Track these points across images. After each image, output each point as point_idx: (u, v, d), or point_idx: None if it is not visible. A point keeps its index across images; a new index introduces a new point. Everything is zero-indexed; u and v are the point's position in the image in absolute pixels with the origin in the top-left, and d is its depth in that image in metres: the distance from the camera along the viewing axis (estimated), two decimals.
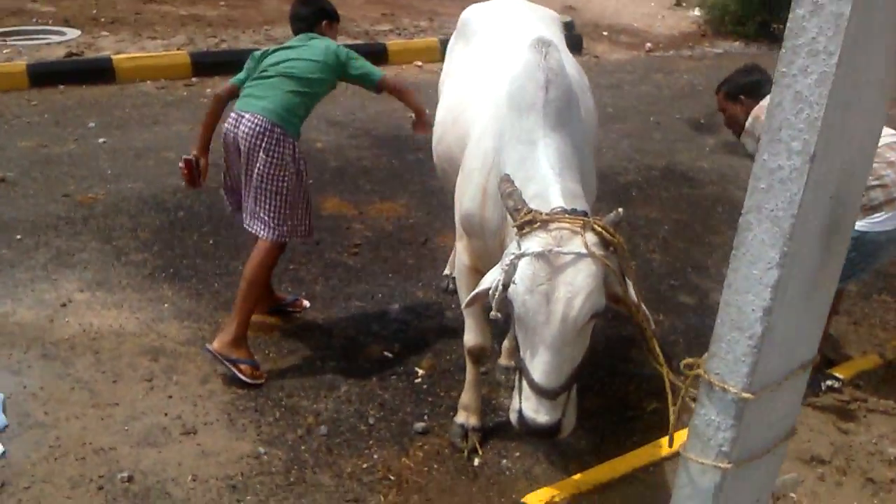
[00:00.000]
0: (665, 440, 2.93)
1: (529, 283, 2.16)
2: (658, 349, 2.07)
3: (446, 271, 4.29)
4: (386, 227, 4.87)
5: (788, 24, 1.46)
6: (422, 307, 4.07)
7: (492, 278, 2.33)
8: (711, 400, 1.76)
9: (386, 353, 3.67)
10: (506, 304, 2.25)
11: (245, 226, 3.44)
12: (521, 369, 2.28)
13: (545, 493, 2.72)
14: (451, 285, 4.21)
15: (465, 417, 3.16)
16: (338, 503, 2.82)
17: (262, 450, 3.01)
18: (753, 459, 1.82)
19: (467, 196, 2.81)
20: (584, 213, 2.30)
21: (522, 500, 2.68)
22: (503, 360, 3.57)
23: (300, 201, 3.41)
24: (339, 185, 5.41)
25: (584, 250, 2.15)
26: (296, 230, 3.43)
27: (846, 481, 2.96)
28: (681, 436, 1.90)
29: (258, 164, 3.28)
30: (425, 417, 3.27)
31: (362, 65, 3.52)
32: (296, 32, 3.59)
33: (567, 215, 2.24)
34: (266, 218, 3.34)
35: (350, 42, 8.76)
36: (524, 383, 2.25)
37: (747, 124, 3.13)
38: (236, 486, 2.84)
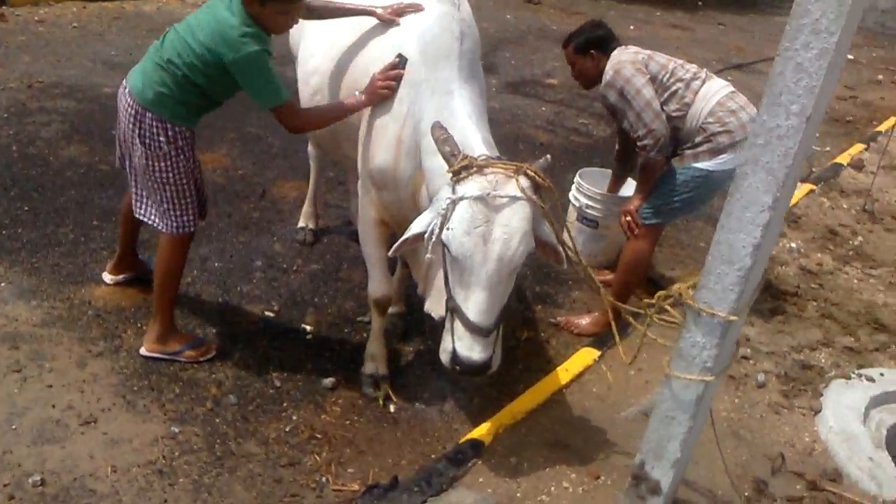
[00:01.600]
0: (565, 365, 3.30)
1: (467, 225, 2.27)
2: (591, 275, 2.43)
3: (301, 223, 4.22)
4: (217, 181, 4.63)
5: (794, 6, 1.73)
6: (285, 261, 3.99)
7: (423, 223, 2.41)
8: (698, 325, 2.06)
9: (267, 314, 3.59)
10: (439, 246, 2.35)
11: (136, 214, 3.05)
12: (452, 310, 2.39)
13: (488, 426, 2.89)
14: (307, 238, 4.17)
15: (373, 367, 3.23)
16: (273, 469, 2.78)
17: (175, 429, 2.86)
18: (724, 368, 2.17)
19: (380, 149, 2.81)
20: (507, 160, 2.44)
21: (470, 437, 2.85)
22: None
23: (188, 188, 2.97)
24: None
25: (519, 193, 2.31)
26: (194, 217, 3.04)
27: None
28: None
29: (136, 153, 2.89)
30: (329, 372, 3.29)
31: (259, 75, 2.67)
32: None
33: (500, 161, 2.38)
34: (160, 210, 2.97)
35: None
36: (456, 323, 2.37)
37: (608, 77, 3.44)
38: (162, 470, 2.69)
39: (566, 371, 3.19)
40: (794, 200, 5.34)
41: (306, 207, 4.23)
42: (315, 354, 3.39)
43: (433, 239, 2.36)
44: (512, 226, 2.28)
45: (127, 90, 2.86)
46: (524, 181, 2.33)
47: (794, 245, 4.74)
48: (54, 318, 3.28)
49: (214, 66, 2.70)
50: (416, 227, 2.43)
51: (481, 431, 2.83)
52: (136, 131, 2.83)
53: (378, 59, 2.86)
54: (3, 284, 3.42)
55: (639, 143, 3.42)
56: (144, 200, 2.99)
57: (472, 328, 2.32)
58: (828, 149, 7.15)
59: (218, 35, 2.63)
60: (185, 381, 3.10)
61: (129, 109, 2.83)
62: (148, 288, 3.54)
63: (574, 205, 4.29)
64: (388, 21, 2.91)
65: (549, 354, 3.57)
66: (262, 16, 2.66)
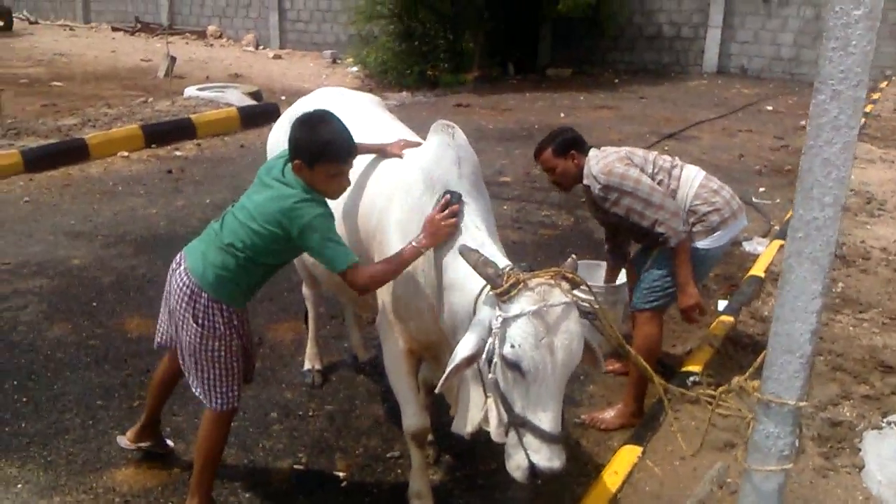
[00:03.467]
0: (612, 468, 3.28)
1: (534, 339, 2.30)
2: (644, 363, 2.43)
3: (307, 366, 4.18)
4: None
5: (812, 108, 1.86)
6: (300, 408, 3.92)
7: (470, 346, 2.39)
8: (769, 416, 2.10)
9: (296, 467, 3.50)
10: (503, 367, 2.35)
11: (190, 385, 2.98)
12: (520, 426, 2.37)
13: None
14: (316, 379, 4.13)
15: None
16: None
17: None
18: (798, 452, 2.20)
19: (399, 285, 2.86)
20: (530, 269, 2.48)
21: None
22: None
23: (237, 365, 2.92)
24: (130, 303, 4.93)
25: (567, 298, 2.37)
26: (239, 392, 2.97)
27: None
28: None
29: (188, 331, 2.81)
30: None
31: (324, 239, 2.62)
32: None
33: (538, 272, 2.42)
34: (206, 385, 2.89)
35: (43, 142, 7.92)
36: (527, 438, 2.36)
37: (602, 181, 3.50)
38: None
39: (615, 474, 3.17)
40: (769, 259, 5.53)
41: (310, 349, 4.20)
42: (355, 502, 3.30)
43: (494, 361, 2.37)
44: (571, 331, 2.34)
45: (183, 268, 2.81)
46: (566, 285, 2.40)
47: None
48: None
49: (281, 241, 2.67)
50: (462, 352, 2.41)
51: None
52: (191, 310, 2.77)
53: (381, 194, 2.95)
54: (19, 486, 3.26)
55: (658, 229, 3.43)
56: (189, 375, 2.93)
57: (550, 439, 2.34)
58: (777, 201, 7.46)
59: (278, 210, 2.61)
60: None
61: (185, 289, 2.77)
62: (166, 462, 3.45)
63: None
64: (395, 156, 3.01)
65: (586, 457, 3.55)
66: (315, 181, 2.64)
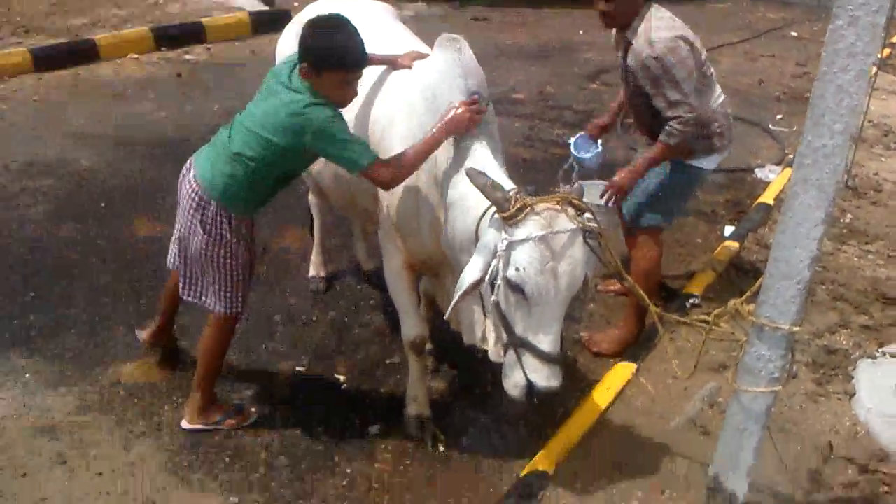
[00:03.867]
0: (606, 383, 3.35)
1: (539, 264, 2.33)
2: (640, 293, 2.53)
3: (311, 273, 4.23)
4: None
5: (829, 33, 1.81)
6: (304, 313, 3.99)
7: (477, 270, 2.41)
8: (762, 339, 2.13)
9: (298, 369, 3.59)
10: (506, 289, 2.38)
11: (183, 296, 3.02)
12: (521, 346, 2.42)
13: (548, 455, 2.92)
14: (320, 287, 4.18)
15: (417, 409, 3.24)
16: None
17: (234, 499, 2.85)
18: (788, 375, 2.24)
19: (400, 199, 2.87)
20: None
21: (533, 468, 2.88)
22: None
23: (244, 273, 2.94)
24: (140, 205, 4.93)
25: (573, 225, 2.38)
26: (245, 297, 3.02)
27: None
28: None
29: (195, 238, 2.82)
30: (373, 419, 3.30)
31: (339, 140, 2.57)
32: None
33: (547, 196, 2.42)
34: (212, 289, 2.92)
35: (53, 41, 7.80)
36: (526, 357, 2.41)
37: (659, 49, 3.18)
38: None
39: (608, 389, 3.24)
40: (780, 186, 5.48)
41: (315, 257, 4.24)
42: (354, 403, 3.40)
43: (497, 283, 2.39)
44: (575, 257, 2.36)
45: (192, 175, 2.80)
46: (572, 211, 2.40)
47: None
48: (88, 404, 3.24)
49: (292, 149, 2.62)
50: (469, 277, 2.43)
51: (542, 462, 2.86)
52: (199, 217, 2.78)
53: (384, 115, 2.93)
54: (27, 376, 3.36)
55: (668, 113, 3.23)
56: (197, 282, 2.95)
57: (549, 359, 2.39)
58: (795, 128, 7.33)
59: (287, 116, 2.54)
60: (233, 449, 3.08)
61: (194, 195, 2.77)
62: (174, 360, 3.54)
63: None
64: (404, 68, 2.96)
65: (582, 373, 3.62)
66: (322, 87, 2.56)
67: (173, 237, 3.04)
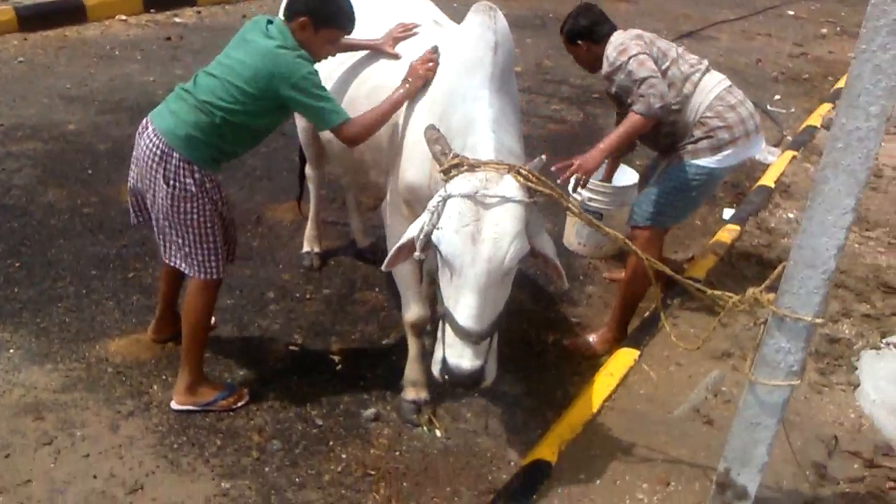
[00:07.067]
0: (608, 369, 3.27)
1: (455, 223, 2.20)
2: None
3: (305, 248, 4.12)
4: None
5: (870, 8, 1.71)
6: (297, 290, 3.89)
7: (418, 225, 2.33)
8: (782, 330, 2.04)
9: (291, 348, 3.49)
10: (430, 246, 2.29)
11: (164, 259, 2.92)
12: (443, 316, 2.31)
13: (550, 444, 2.85)
14: (314, 262, 4.08)
15: (414, 393, 3.16)
16: None
17: (225, 485, 2.76)
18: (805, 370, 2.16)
19: (413, 166, 2.74)
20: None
21: (535, 457, 2.80)
22: None
23: (212, 233, 2.82)
24: (126, 171, 4.76)
25: (510, 193, 2.23)
26: (219, 262, 2.89)
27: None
28: None
29: (159, 194, 2.74)
30: (367, 402, 3.21)
31: (318, 94, 2.63)
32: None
33: (493, 161, 2.29)
34: (182, 252, 2.83)
35: (38, 0, 7.57)
36: (447, 330, 2.28)
37: (611, 59, 3.26)
38: None
39: (611, 375, 3.17)
40: (780, 169, 5.41)
41: (309, 231, 4.12)
42: (349, 385, 3.30)
43: (421, 237, 2.28)
44: (502, 226, 2.20)
45: (151, 129, 2.72)
46: (516, 181, 2.26)
47: (790, 215, 4.80)
48: (74, 381, 3.13)
49: (264, 99, 2.63)
50: (410, 232, 2.35)
51: (544, 450, 2.79)
52: (161, 171, 2.68)
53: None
54: (11, 351, 3.25)
55: (641, 88, 3.13)
56: (168, 243, 2.86)
57: (463, 333, 2.22)
58: (793, 110, 7.26)
59: (270, 63, 2.58)
60: (225, 431, 2.99)
61: (154, 149, 2.68)
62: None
63: (576, 198, 4.26)
64: (390, 56, 2.99)
65: (581, 358, 3.55)
66: (313, 42, 2.69)
67: (129, 198, 2.99)
